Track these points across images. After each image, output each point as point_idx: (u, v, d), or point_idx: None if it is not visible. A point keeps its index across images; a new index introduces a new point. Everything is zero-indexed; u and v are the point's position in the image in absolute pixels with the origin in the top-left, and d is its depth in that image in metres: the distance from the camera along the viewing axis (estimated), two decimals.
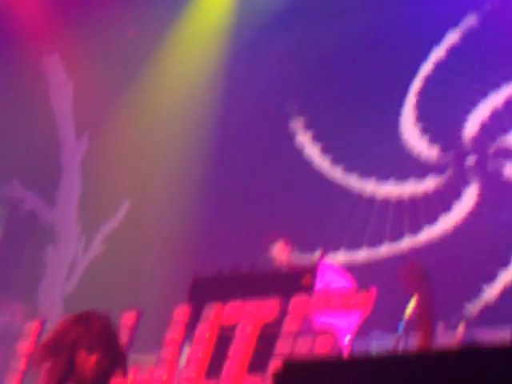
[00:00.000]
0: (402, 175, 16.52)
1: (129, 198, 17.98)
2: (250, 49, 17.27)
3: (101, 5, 17.97)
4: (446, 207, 16.09)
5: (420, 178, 16.36)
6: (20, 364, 11.02)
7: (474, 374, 3.56)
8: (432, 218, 16.14)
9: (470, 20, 16.25)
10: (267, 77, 17.23)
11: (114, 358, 7.77)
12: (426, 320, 10.25)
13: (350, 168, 16.87)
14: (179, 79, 18.03)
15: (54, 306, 17.29)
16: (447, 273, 15.11)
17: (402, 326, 12.78)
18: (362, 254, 16.10)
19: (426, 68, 16.71)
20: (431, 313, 10.32)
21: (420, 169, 16.44)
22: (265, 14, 17.12)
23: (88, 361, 7.64)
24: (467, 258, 15.47)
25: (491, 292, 15.17)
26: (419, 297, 10.52)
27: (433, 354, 4.60)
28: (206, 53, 18.08)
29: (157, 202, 17.49)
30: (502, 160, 15.87)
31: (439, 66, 16.62)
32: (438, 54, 16.62)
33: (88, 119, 18.73)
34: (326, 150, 17.14)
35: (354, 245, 16.24)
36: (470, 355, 3.76)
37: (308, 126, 17.31)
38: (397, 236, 16.27)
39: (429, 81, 16.67)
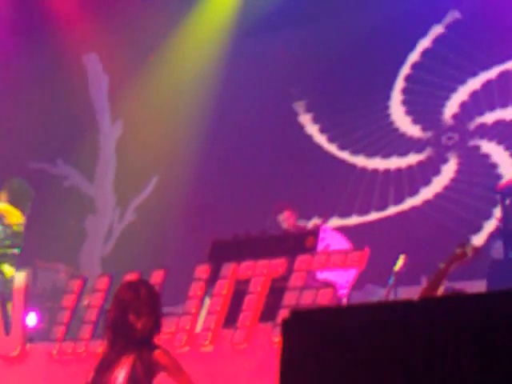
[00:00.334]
0: (389, 151, 16.51)
1: (157, 175, 17.95)
2: (257, 39, 17.13)
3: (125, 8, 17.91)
4: (426, 180, 16.10)
5: (403, 155, 16.36)
6: (64, 317, 11.11)
7: (457, 320, 3.49)
8: (414, 190, 16.18)
9: (453, 14, 16.08)
10: (274, 64, 17.08)
11: (157, 319, 8.01)
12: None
13: (343, 145, 16.86)
14: (195, 65, 17.94)
15: (93, 266, 17.27)
16: (427, 235, 15.26)
17: (391, 279, 12.98)
18: (353, 220, 16.14)
19: (413, 57, 16.60)
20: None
21: (404, 145, 16.43)
22: (269, 10, 16.77)
23: (136, 322, 7.87)
24: (442, 223, 15.56)
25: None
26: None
27: (421, 302, 4.56)
28: (217, 40, 17.84)
29: (180, 178, 17.27)
30: (478, 138, 15.89)
31: (425, 55, 16.54)
32: (423, 44, 16.49)
33: (121, 107, 18.76)
34: (323, 130, 17.09)
35: (347, 211, 16.24)
36: (453, 303, 3.73)
37: (308, 109, 17.21)
38: (383, 204, 16.27)
39: (415, 68, 16.61)
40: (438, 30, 16.45)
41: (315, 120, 17.26)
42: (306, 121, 17.30)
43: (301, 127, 17.30)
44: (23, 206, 14.30)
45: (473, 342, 3.42)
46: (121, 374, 7.77)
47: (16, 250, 13.98)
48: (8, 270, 11.70)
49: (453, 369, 3.40)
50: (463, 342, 3.42)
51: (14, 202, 14.26)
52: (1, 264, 13.03)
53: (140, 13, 17.86)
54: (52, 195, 18.29)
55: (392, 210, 16.29)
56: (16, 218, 14.17)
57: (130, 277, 9.80)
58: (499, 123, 15.77)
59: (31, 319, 12.56)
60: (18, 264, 14.21)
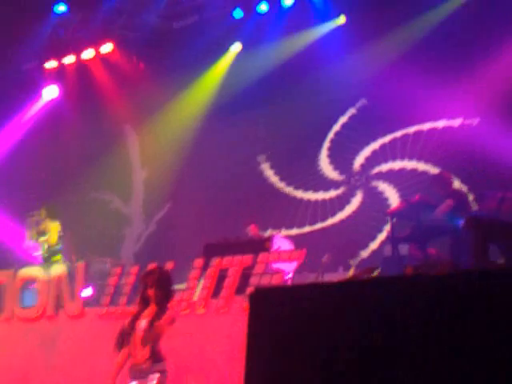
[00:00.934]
0: (317, 188, 16.42)
1: (170, 201, 17.81)
2: (232, 111, 16.79)
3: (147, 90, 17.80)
4: (341, 207, 16.06)
5: (327, 190, 16.31)
6: (109, 291, 11.16)
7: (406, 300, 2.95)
8: (333, 213, 16.12)
9: (362, 101, 16.07)
10: (243, 127, 16.93)
11: (167, 292, 8.08)
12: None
13: (289, 183, 16.78)
14: (188, 127, 17.65)
15: (129, 259, 17.22)
16: (341, 240, 15.23)
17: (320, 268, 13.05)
18: (295, 231, 16.09)
19: (335, 127, 16.45)
20: None
21: (328, 184, 16.35)
22: (239, 94, 16.59)
23: (151, 293, 7.95)
24: (352, 234, 15.53)
25: (365, 253, 15.21)
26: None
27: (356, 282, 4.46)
28: (204, 109, 17.54)
29: (185, 203, 17.25)
30: (376, 180, 15.85)
31: (343, 127, 16.36)
32: (343, 119, 16.31)
33: (146, 157, 18.67)
34: (276, 173, 17.03)
35: (291, 225, 16.22)
36: (396, 283, 3.20)
37: (267, 159, 17.15)
38: (314, 222, 16.22)
39: (336, 135, 16.43)
40: (352, 111, 16.29)
41: (271, 167, 17.15)
42: (265, 167, 17.19)
43: (261, 171, 17.22)
44: (57, 218, 14.27)
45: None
46: (143, 322, 7.85)
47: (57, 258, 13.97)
48: (56, 269, 11.60)
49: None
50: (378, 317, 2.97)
51: (51, 216, 14.24)
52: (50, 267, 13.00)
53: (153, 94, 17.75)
54: (102, 214, 18.22)
55: (319, 225, 16.21)
56: (54, 229, 14.15)
57: (151, 265, 9.84)
58: (390, 171, 15.67)
59: (88, 291, 12.60)
60: (78, 259, 14.20)
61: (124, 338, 7.94)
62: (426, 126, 15.31)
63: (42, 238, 14.08)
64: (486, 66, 13.82)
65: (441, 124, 15.11)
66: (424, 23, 14.95)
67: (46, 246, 14.05)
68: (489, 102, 13.89)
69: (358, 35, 15.38)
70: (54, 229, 14.10)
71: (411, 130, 15.51)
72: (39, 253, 14.10)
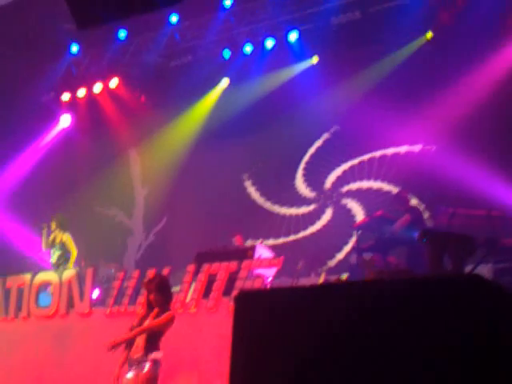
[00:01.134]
0: (295, 204, 16.41)
1: (166, 215, 17.76)
2: (220, 137, 16.77)
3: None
4: (314, 221, 16.09)
5: (301, 206, 16.33)
6: (114, 293, 11.16)
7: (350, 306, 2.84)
8: (305, 226, 16.16)
9: (335, 128, 16.06)
10: (231, 149, 16.79)
11: (166, 295, 8.09)
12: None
13: (268, 199, 16.77)
14: (182, 149, 17.63)
15: (130, 265, 17.09)
16: (313, 250, 15.22)
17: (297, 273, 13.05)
18: (272, 242, 15.95)
19: (311, 150, 16.45)
20: None
21: (303, 201, 16.36)
22: (230, 119, 16.64)
23: (152, 298, 7.96)
24: (322, 244, 15.52)
25: (333, 261, 15.25)
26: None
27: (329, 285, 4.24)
28: (195, 134, 17.59)
29: (179, 218, 17.24)
30: (345, 197, 15.87)
31: (317, 150, 16.36)
32: (317, 143, 16.34)
33: (146, 177, 18.61)
34: (257, 189, 17.02)
35: (270, 236, 16.15)
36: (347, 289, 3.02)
37: (249, 177, 17.13)
38: (288, 234, 16.25)
39: (311, 157, 16.44)
40: (325, 136, 16.30)
41: (253, 184, 17.13)
42: (248, 185, 17.18)
43: (245, 188, 17.20)
44: (66, 229, 14.13)
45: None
46: (146, 323, 7.85)
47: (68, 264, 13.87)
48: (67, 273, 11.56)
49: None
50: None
51: (62, 227, 14.08)
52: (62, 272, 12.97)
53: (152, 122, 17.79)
54: (108, 226, 18.16)
55: (292, 237, 16.24)
56: (66, 238, 14.02)
57: (151, 272, 9.86)
58: (358, 190, 15.70)
59: (95, 293, 12.58)
60: (87, 265, 14.16)
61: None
62: (390, 151, 15.34)
63: (54, 248, 13.97)
64: (444, 97, 13.92)
65: (403, 149, 15.18)
66: (388, 60, 15.07)
67: (57, 254, 13.94)
68: (446, 131, 14.00)
69: (330, 72, 15.44)
70: (69, 239, 13.97)
71: (377, 153, 15.52)
72: (51, 260, 13.99)
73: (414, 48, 14.85)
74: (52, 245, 13.95)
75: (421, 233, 8.42)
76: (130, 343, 7.87)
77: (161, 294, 8.01)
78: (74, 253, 13.86)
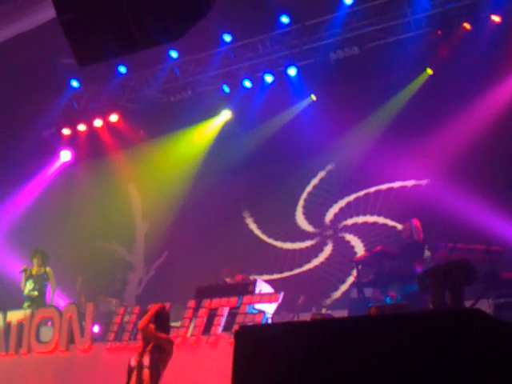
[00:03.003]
0: (295, 239, 16.44)
1: (167, 250, 17.75)
2: (220, 174, 16.84)
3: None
4: (315, 255, 16.09)
5: (302, 241, 16.34)
6: (114, 328, 11.18)
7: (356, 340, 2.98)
8: (307, 260, 16.13)
9: (330, 166, 16.20)
10: (232, 191, 17.03)
11: (166, 327, 8.12)
12: None
13: (269, 235, 16.80)
14: (184, 180, 17.58)
15: (131, 300, 17.00)
16: (314, 285, 15.35)
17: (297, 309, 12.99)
18: (275, 276, 16.03)
19: (308, 187, 16.50)
20: None
21: (303, 236, 16.37)
22: (229, 157, 16.77)
23: (153, 328, 7.98)
24: (323, 279, 15.57)
25: (336, 295, 15.25)
26: None
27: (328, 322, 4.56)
28: (196, 170, 17.60)
29: (179, 252, 17.18)
30: (345, 232, 15.90)
31: (314, 188, 16.46)
32: (314, 181, 16.43)
33: (147, 212, 18.59)
34: (258, 226, 17.03)
35: (271, 271, 16.19)
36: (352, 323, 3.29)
37: (250, 215, 17.15)
38: (291, 268, 16.21)
39: (309, 193, 16.51)
40: (322, 174, 16.39)
41: (254, 220, 17.13)
42: (249, 221, 17.16)
43: (246, 223, 17.21)
44: (47, 264, 13.99)
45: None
46: (146, 360, 7.85)
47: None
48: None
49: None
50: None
51: (43, 263, 13.95)
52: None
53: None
54: (109, 261, 18.08)
55: (297, 270, 16.18)
56: (50, 270, 13.90)
57: (152, 306, 9.88)
58: (355, 224, 15.78)
59: (95, 328, 12.59)
60: (88, 299, 14.12)
61: (131, 374, 7.91)
62: (384, 187, 15.49)
63: (29, 280, 13.81)
64: (442, 133, 14.05)
65: (396, 185, 15.32)
66: (388, 100, 15.17)
67: (31, 287, 13.77)
68: (443, 166, 14.15)
69: (326, 111, 15.56)
70: (51, 272, 13.86)
71: (371, 189, 15.67)
72: (24, 292, 13.81)
73: (417, 85, 14.95)
74: (28, 277, 13.82)
75: (420, 275, 8.44)
76: (131, 379, 7.85)
77: (158, 325, 8.03)
78: (54, 287, 13.78)
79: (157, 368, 7.82)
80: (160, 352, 7.86)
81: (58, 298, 14.83)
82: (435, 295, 6.06)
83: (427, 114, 14.51)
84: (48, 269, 13.78)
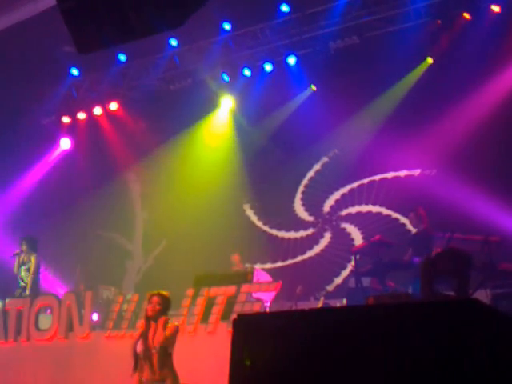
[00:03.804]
0: (293, 228, 16.43)
1: (165, 239, 17.80)
2: (220, 163, 16.95)
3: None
4: (312, 245, 16.09)
5: (301, 230, 16.33)
6: (113, 316, 11.19)
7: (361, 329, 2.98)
8: (305, 250, 16.15)
9: (334, 151, 16.09)
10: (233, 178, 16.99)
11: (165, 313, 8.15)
12: None
13: (266, 223, 16.83)
14: (184, 169, 17.68)
15: (129, 289, 17.06)
16: (312, 274, 15.37)
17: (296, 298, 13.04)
18: (273, 265, 16.04)
19: (308, 174, 16.49)
20: None
21: (301, 225, 16.38)
22: (231, 146, 16.92)
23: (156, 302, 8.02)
24: (321, 268, 15.55)
25: (332, 285, 15.26)
26: None
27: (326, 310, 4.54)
28: (196, 158, 17.66)
29: (178, 241, 17.21)
30: (343, 221, 15.89)
31: (310, 180, 16.46)
32: (315, 168, 16.41)
33: (146, 202, 18.63)
34: (255, 213, 17.09)
35: (267, 260, 16.22)
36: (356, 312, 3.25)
37: (251, 206, 17.20)
38: (287, 257, 16.22)
39: (309, 180, 16.48)
40: (320, 164, 16.34)
41: (252, 209, 17.16)
42: (247, 209, 17.22)
43: (244, 211, 17.22)
44: (35, 250, 14.00)
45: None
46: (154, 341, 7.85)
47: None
48: None
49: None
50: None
51: (31, 249, 13.96)
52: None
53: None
54: (108, 250, 18.09)
55: (290, 261, 16.20)
56: (31, 260, 13.89)
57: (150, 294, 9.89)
58: (357, 214, 15.71)
59: (94, 317, 12.62)
60: (88, 287, 14.15)
61: (139, 360, 7.87)
62: (390, 175, 15.41)
63: (23, 267, 13.85)
64: (443, 123, 14.05)
65: (402, 173, 15.23)
66: (388, 90, 15.15)
67: (24, 274, 13.81)
68: (444, 156, 14.12)
69: (328, 96, 15.53)
70: (33, 261, 13.85)
71: (377, 177, 15.60)
72: (20, 282, 13.85)
73: (417, 75, 14.92)
74: (21, 264, 13.85)
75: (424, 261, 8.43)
76: (139, 365, 7.82)
77: (154, 305, 8.04)
78: (31, 276, 13.77)
79: (165, 350, 7.83)
80: (165, 335, 7.88)
81: (58, 287, 14.86)
82: (423, 286, 6.06)
83: (427, 104, 14.49)
84: (33, 257, 13.78)
